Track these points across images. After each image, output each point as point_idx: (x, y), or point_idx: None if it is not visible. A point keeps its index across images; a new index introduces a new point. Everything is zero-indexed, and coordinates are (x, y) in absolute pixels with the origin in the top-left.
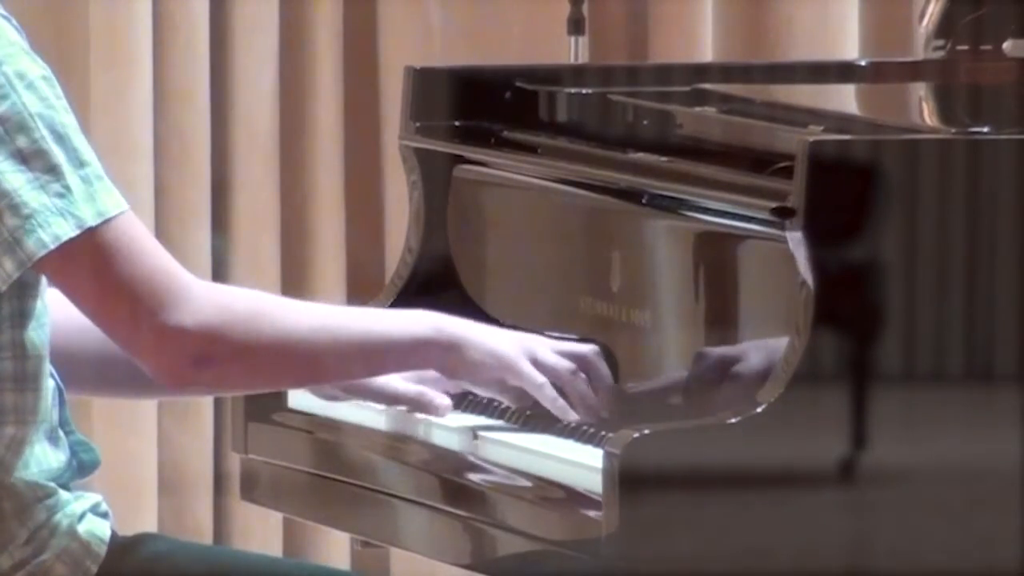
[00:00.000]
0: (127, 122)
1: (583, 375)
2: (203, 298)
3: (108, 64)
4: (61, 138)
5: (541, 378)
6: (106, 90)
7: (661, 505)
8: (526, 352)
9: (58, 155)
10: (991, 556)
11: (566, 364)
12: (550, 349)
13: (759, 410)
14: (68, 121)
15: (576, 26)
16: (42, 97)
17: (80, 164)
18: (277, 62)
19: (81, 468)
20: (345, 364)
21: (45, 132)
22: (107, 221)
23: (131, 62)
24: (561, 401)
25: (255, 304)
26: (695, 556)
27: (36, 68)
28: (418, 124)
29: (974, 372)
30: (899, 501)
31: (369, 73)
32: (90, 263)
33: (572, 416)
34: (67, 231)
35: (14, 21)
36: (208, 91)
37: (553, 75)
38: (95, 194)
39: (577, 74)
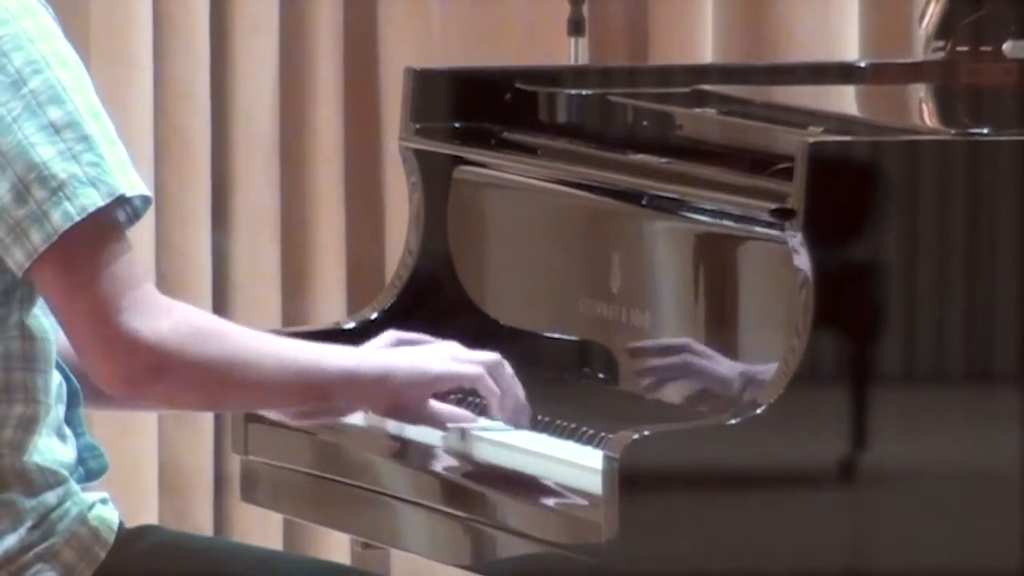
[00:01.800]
0: (127, 122)
1: (504, 370)
2: (163, 312)
3: (108, 63)
4: (96, 115)
5: (476, 369)
6: (106, 89)
7: (661, 507)
8: (450, 358)
9: (92, 126)
10: (991, 556)
11: (488, 358)
12: (465, 354)
13: (759, 411)
14: (100, 106)
15: (576, 27)
16: (76, 77)
17: (112, 142)
18: (277, 62)
19: (88, 473)
20: (284, 393)
21: (80, 104)
22: (136, 197)
23: (131, 62)
24: (495, 388)
25: (209, 324)
26: (695, 557)
27: (71, 53)
28: (418, 125)
29: (974, 373)
30: (899, 501)
31: (369, 73)
32: (95, 240)
33: (499, 414)
34: (95, 201)
35: (51, 10)
36: (208, 91)
37: (553, 76)
38: (128, 170)
39: (577, 75)
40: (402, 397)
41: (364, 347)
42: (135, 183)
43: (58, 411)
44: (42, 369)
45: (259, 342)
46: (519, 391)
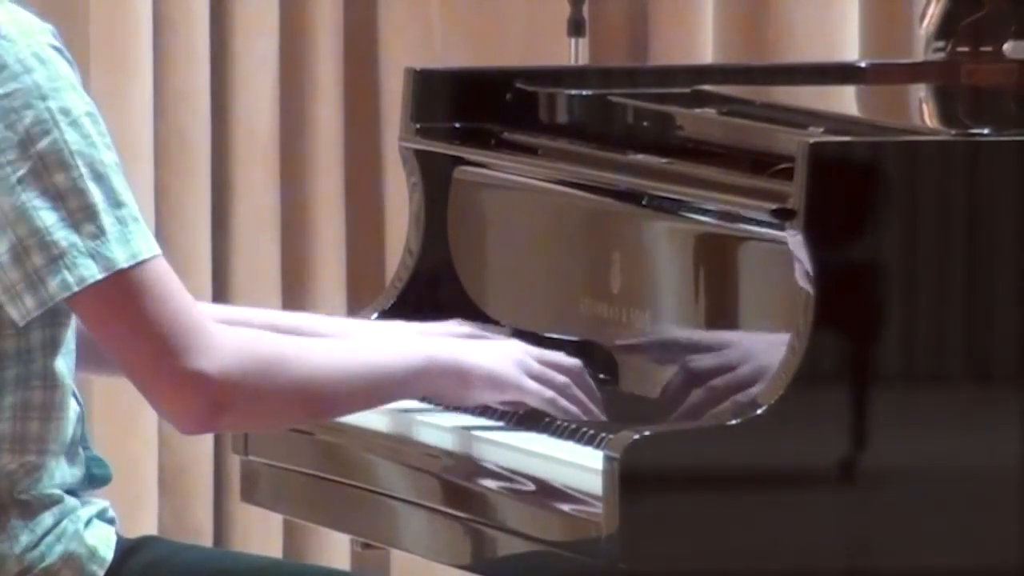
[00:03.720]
0: (127, 123)
1: (574, 385)
2: (224, 345)
3: (108, 64)
4: (100, 177)
5: (549, 392)
6: (106, 91)
7: (661, 507)
8: (521, 367)
9: (95, 195)
10: (991, 556)
11: (561, 378)
12: (538, 360)
13: (759, 412)
14: (108, 160)
15: (576, 27)
16: (85, 135)
17: (117, 204)
18: (277, 62)
19: (92, 481)
20: (351, 402)
21: (84, 170)
22: (139, 264)
23: (131, 62)
24: (573, 409)
25: (272, 349)
26: (695, 557)
27: (82, 104)
28: (418, 126)
29: (974, 373)
30: (899, 501)
31: (369, 73)
32: (116, 304)
33: (583, 417)
34: (94, 273)
35: (67, 54)
36: (208, 91)
37: (553, 76)
38: (130, 236)
39: (577, 75)
40: (469, 398)
41: (427, 336)
42: (136, 249)
43: (75, 432)
44: (57, 417)
45: (322, 356)
46: (591, 407)
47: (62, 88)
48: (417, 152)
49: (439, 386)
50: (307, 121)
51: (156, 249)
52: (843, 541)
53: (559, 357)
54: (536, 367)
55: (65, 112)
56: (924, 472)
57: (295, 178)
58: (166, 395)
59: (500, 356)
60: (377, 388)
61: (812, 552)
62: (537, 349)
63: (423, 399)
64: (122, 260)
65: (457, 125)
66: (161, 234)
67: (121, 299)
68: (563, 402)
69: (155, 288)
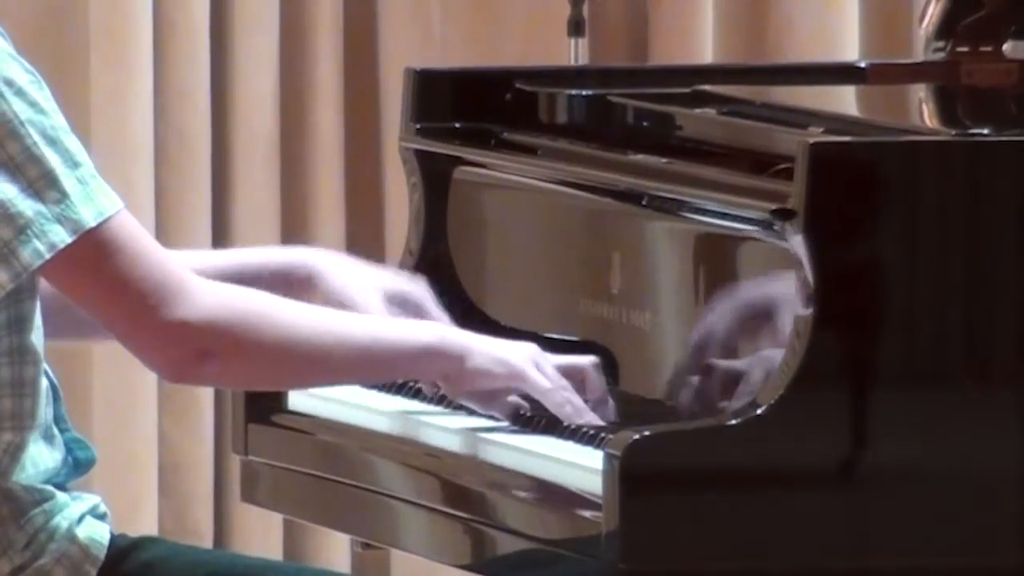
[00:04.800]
0: (127, 122)
1: (576, 391)
2: (205, 294)
3: (108, 64)
4: (53, 142)
5: (547, 383)
6: (106, 90)
7: (661, 506)
8: (531, 360)
9: (52, 159)
10: (991, 556)
11: (564, 380)
12: (550, 361)
13: (760, 412)
14: (58, 123)
15: (576, 27)
16: (31, 102)
17: (74, 165)
18: (277, 62)
19: (77, 466)
20: (349, 367)
21: (37, 138)
22: (106, 220)
23: (131, 62)
24: (569, 407)
25: (257, 302)
26: (695, 557)
27: (23, 73)
28: (418, 126)
29: (974, 373)
30: (899, 501)
31: (369, 73)
32: (90, 264)
33: (578, 420)
34: (63, 237)
35: (1, 28)
36: (208, 91)
37: (553, 77)
38: (92, 194)
39: (577, 76)
40: (473, 381)
41: (442, 326)
42: (100, 207)
43: (47, 414)
44: (31, 393)
45: (314, 316)
46: (594, 413)
47: (1, 60)
48: (417, 152)
49: (445, 367)
50: (307, 121)
51: (119, 203)
52: (843, 541)
53: (572, 358)
54: (544, 367)
55: (8, 83)
56: (924, 472)
57: (295, 178)
58: (150, 347)
59: (511, 346)
60: (380, 358)
61: (812, 552)
62: (554, 356)
63: (431, 399)
64: (89, 219)
65: (457, 125)
66: (161, 233)
67: (94, 258)
68: (558, 396)
69: (126, 242)
